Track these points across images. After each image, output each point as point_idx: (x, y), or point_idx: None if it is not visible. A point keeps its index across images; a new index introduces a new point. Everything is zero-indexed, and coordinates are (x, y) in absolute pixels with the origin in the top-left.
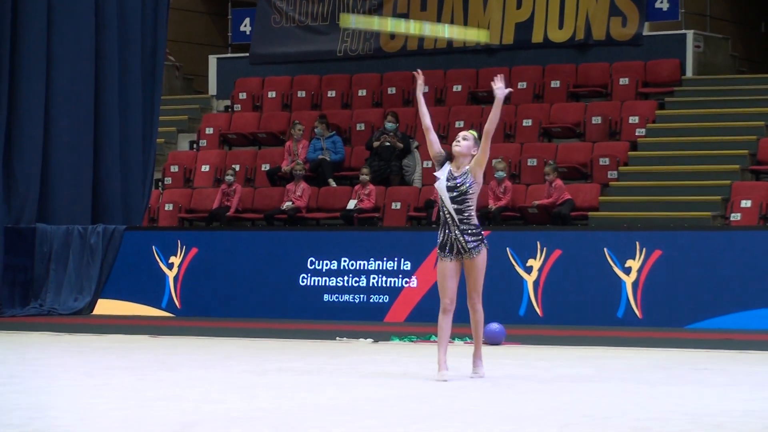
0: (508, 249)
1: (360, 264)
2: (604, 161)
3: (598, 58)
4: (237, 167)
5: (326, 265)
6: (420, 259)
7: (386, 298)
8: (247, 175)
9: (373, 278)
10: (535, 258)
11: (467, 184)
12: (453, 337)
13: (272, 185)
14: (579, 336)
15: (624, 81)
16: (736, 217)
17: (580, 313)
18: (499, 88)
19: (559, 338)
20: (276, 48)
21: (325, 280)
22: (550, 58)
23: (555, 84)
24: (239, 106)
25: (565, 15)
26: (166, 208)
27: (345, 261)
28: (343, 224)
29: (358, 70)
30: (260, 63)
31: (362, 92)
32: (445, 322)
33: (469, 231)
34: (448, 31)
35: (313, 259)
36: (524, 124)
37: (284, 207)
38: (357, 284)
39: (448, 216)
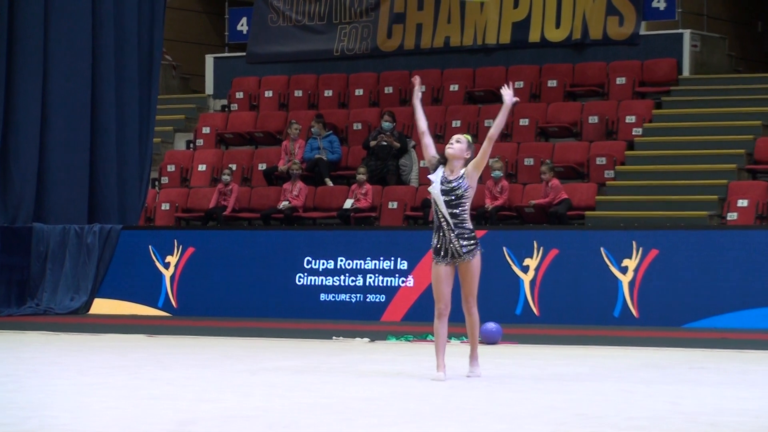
0: (504, 248)
1: (357, 263)
2: (601, 161)
3: (595, 57)
4: (234, 167)
5: (323, 264)
6: (416, 258)
7: (383, 298)
8: (244, 174)
9: (370, 278)
10: (531, 257)
11: (462, 188)
12: (449, 336)
13: (269, 185)
14: (575, 335)
15: (621, 80)
16: (732, 216)
17: (576, 312)
18: (509, 95)
19: (556, 337)
20: (273, 47)
21: (322, 280)
22: (546, 57)
23: (552, 83)
24: (236, 105)
25: (562, 14)
26: (162, 208)
27: (342, 260)
28: (339, 224)
29: (355, 69)
30: (257, 62)
31: (359, 92)
32: (441, 326)
33: (464, 235)
34: None
35: (310, 259)
36: (521, 123)
37: (281, 206)
38: (354, 283)
39: (442, 220)
